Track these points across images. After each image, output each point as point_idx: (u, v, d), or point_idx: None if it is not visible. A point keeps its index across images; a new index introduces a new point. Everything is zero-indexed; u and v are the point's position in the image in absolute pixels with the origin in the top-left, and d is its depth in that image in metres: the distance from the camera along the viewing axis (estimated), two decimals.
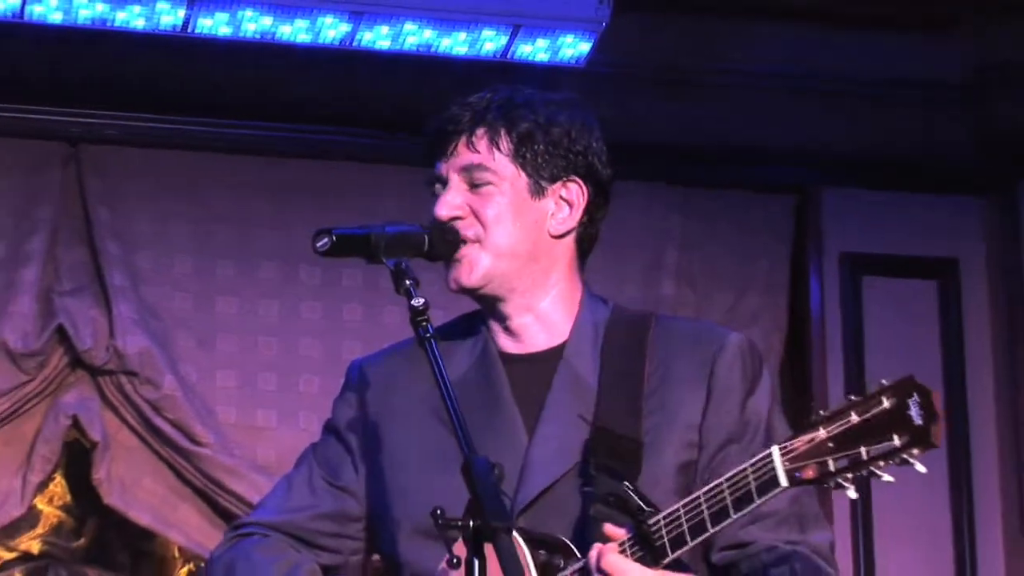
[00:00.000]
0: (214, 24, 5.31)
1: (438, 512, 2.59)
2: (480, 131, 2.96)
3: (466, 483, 2.58)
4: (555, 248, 3.00)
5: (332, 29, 5.37)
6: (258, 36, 5.38)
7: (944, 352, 6.15)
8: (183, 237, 5.78)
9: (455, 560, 2.60)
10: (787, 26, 5.96)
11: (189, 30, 5.33)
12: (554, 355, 2.99)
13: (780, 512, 2.84)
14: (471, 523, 2.56)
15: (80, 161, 5.71)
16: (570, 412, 2.93)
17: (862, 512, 5.93)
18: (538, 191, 2.97)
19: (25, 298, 5.56)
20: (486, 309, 3.03)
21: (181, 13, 5.27)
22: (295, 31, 5.37)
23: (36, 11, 5.24)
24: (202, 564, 5.68)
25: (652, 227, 6.01)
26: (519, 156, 2.95)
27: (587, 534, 2.80)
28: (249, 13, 5.29)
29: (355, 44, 5.43)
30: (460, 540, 2.59)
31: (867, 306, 6.13)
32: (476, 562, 2.57)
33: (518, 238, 2.97)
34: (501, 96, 3.00)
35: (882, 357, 6.02)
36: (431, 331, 2.72)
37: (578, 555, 2.77)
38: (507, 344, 3.02)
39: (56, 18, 5.26)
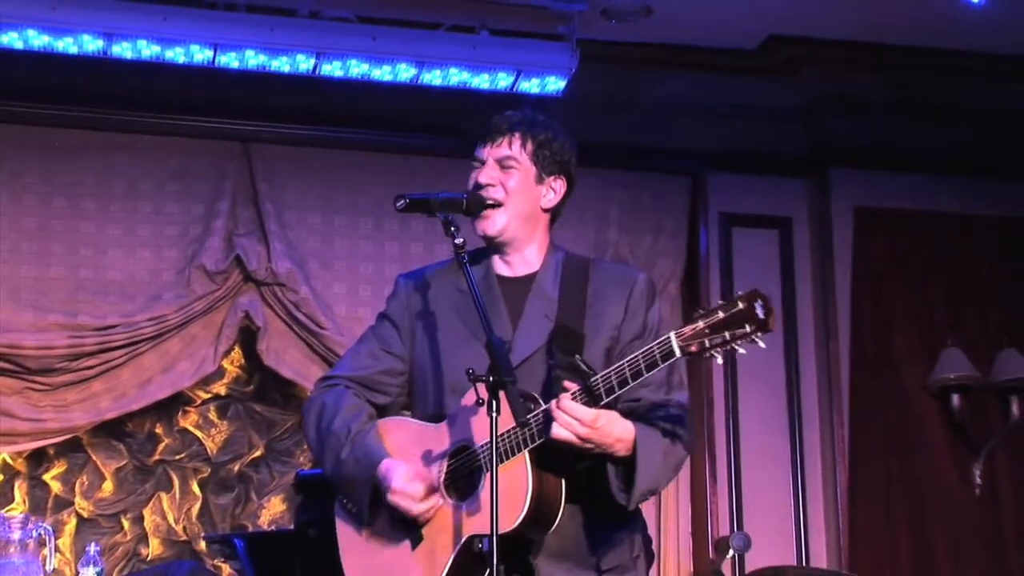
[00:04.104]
0: (332, 69, 5.31)
1: (470, 370, 2.62)
2: (516, 136, 2.97)
3: (487, 352, 2.63)
4: (541, 217, 3.02)
5: (405, 72, 5.34)
6: (359, 76, 5.35)
7: (782, 273, 6.09)
8: (314, 201, 5.74)
9: (479, 401, 2.63)
10: (685, 74, 5.91)
11: (317, 72, 5.31)
12: (530, 279, 2.98)
13: (659, 380, 2.84)
14: (490, 378, 2.60)
15: (249, 154, 5.70)
16: (539, 314, 2.92)
17: (731, 378, 5.93)
18: (540, 180, 2.98)
19: (216, 238, 5.58)
20: (492, 248, 3.01)
21: (312, 61, 5.25)
22: (383, 73, 5.35)
23: (222, 60, 5.22)
24: None
25: (602, 196, 5.93)
26: (535, 156, 2.96)
27: (551, 389, 2.80)
28: (354, 62, 5.27)
29: (419, 81, 5.39)
30: (483, 388, 2.62)
31: (735, 246, 6.04)
32: (494, 403, 2.59)
33: (524, 206, 2.96)
34: (530, 117, 3.01)
35: (744, 278, 5.98)
36: (467, 259, 2.79)
37: (542, 403, 2.75)
38: (502, 269, 3.01)
39: (235, 64, 5.24)
